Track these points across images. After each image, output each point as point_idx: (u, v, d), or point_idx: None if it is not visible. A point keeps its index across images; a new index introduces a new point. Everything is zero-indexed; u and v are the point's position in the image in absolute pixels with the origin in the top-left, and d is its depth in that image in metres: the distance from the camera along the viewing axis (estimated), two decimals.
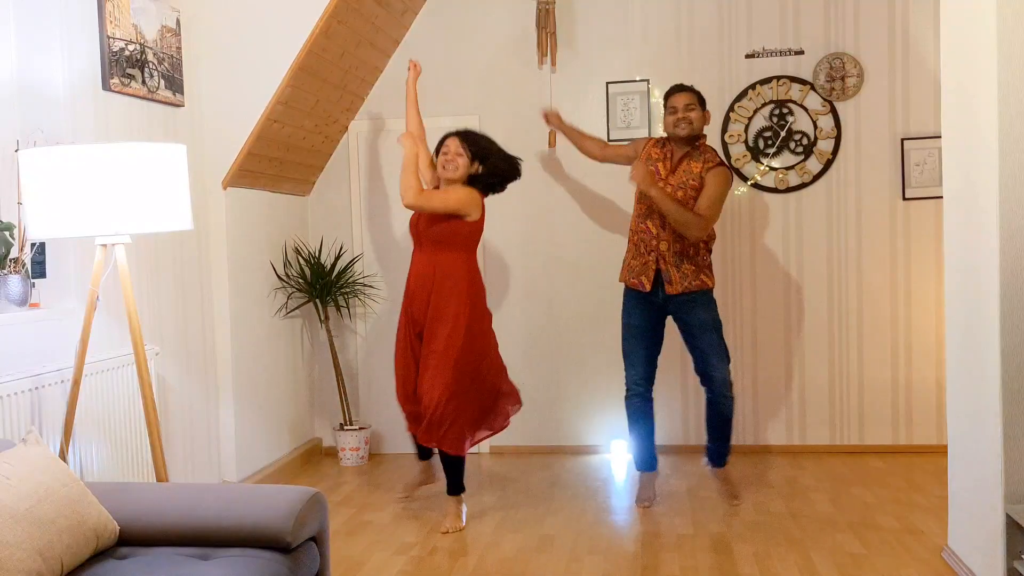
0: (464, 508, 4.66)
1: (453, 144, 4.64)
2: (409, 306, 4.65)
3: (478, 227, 4.63)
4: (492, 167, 4.69)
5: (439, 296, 4.53)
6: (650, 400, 4.87)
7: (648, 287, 4.71)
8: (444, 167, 4.63)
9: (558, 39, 5.89)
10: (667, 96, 4.78)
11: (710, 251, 4.79)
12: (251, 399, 5.25)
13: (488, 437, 4.82)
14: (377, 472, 5.72)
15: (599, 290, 5.99)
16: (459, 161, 4.61)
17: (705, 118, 4.72)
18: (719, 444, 4.85)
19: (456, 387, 4.47)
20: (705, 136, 4.79)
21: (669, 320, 4.87)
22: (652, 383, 4.87)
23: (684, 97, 4.68)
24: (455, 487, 4.62)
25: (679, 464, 5.64)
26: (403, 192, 4.49)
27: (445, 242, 4.56)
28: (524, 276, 6.07)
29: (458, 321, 4.50)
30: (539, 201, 6.02)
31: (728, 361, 4.77)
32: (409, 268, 4.70)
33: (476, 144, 4.67)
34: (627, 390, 4.86)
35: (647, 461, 4.93)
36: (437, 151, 4.72)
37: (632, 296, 4.84)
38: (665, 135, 4.81)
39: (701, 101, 4.72)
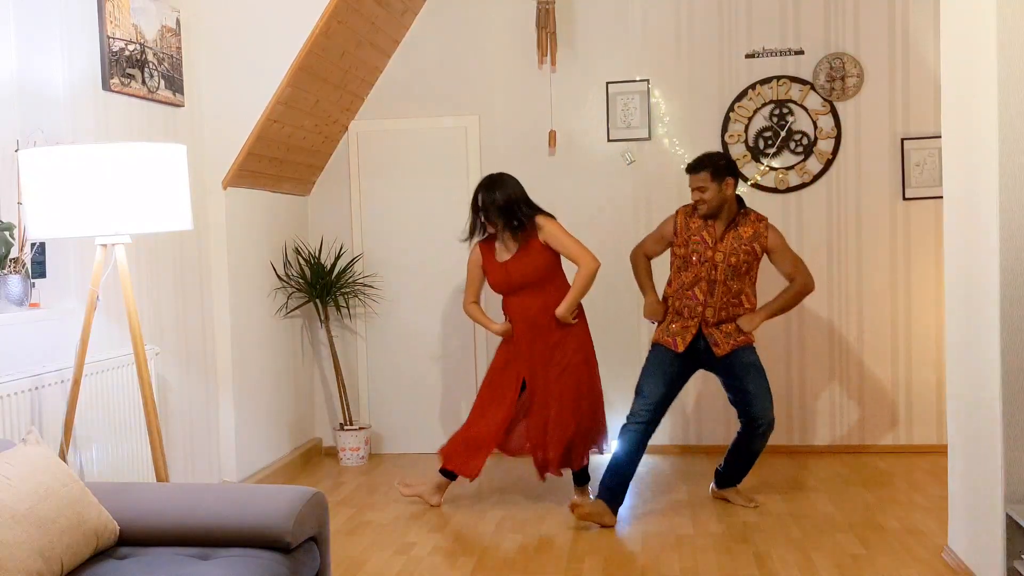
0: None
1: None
2: None
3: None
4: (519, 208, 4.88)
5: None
6: (649, 435, 4.67)
7: (681, 348, 4.67)
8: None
9: (558, 39, 5.89)
10: (687, 171, 4.71)
11: (753, 307, 4.73)
12: (251, 399, 5.25)
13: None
14: (377, 472, 5.73)
15: (599, 293, 5.97)
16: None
17: (724, 188, 4.60)
18: (739, 477, 4.85)
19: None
20: (742, 201, 4.70)
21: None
22: (658, 421, 4.69)
23: (696, 180, 4.62)
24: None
25: (679, 464, 5.64)
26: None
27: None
28: None
29: None
30: (539, 204, 6.00)
31: (771, 402, 4.70)
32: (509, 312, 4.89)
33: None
34: (630, 416, 4.67)
35: (617, 496, 4.62)
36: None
37: (663, 348, 4.75)
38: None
39: (716, 173, 4.58)
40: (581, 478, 4.89)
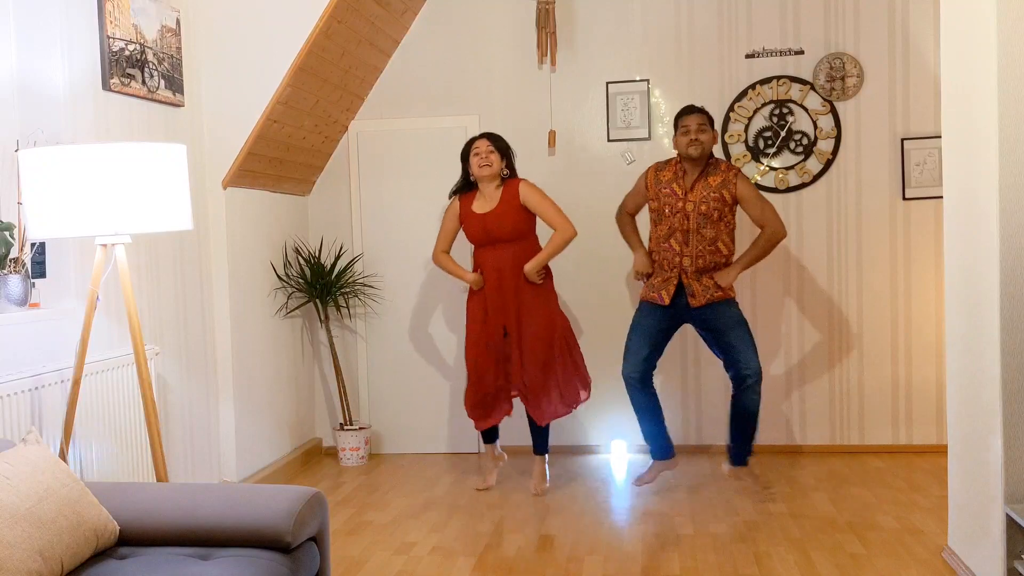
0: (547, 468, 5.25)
1: (484, 144, 5.05)
2: None
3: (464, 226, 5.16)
4: (510, 160, 5.15)
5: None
6: (650, 387, 4.96)
7: (667, 300, 4.85)
8: (480, 167, 5.02)
9: (558, 39, 5.89)
10: (679, 116, 4.90)
11: (731, 254, 4.90)
12: (251, 399, 5.25)
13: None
14: (377, 472, 5.73)
15: (599, 290, 5.99)
16: (492, 158, 5.02)
17: (714, 138, 4.88)
18: (744, 443, 4.92)
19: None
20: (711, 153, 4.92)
21: (680, 333, 5.09)
22: (649, 376, 4.97)
23: (696, 118, 4.83)
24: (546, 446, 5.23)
25: (679, 464, 5.63)
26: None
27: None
28: None
29: None
30: None
31: (756, 355, 4.84)
32: (482, 265, 5.11)
33: (499, 142, 5.11)
34: (624, 381, 4.98)
35: (661, 447, 5.01)
36: (468, 154, 5.08)
37: (649, 304, 4.94)
38: (674, 156, 4.96)
39: (711, 121, 4.91)
40: (541, 446, 5.18)
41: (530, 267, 4.95)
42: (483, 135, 5.10)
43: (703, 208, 4.78)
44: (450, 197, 5.21)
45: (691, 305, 4.81)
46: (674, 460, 5.07)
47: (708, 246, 4.80)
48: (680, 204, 4.80)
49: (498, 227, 4.99)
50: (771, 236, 4.84)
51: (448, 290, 6.06)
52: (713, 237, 4.80)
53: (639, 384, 4.93)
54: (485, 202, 5.05)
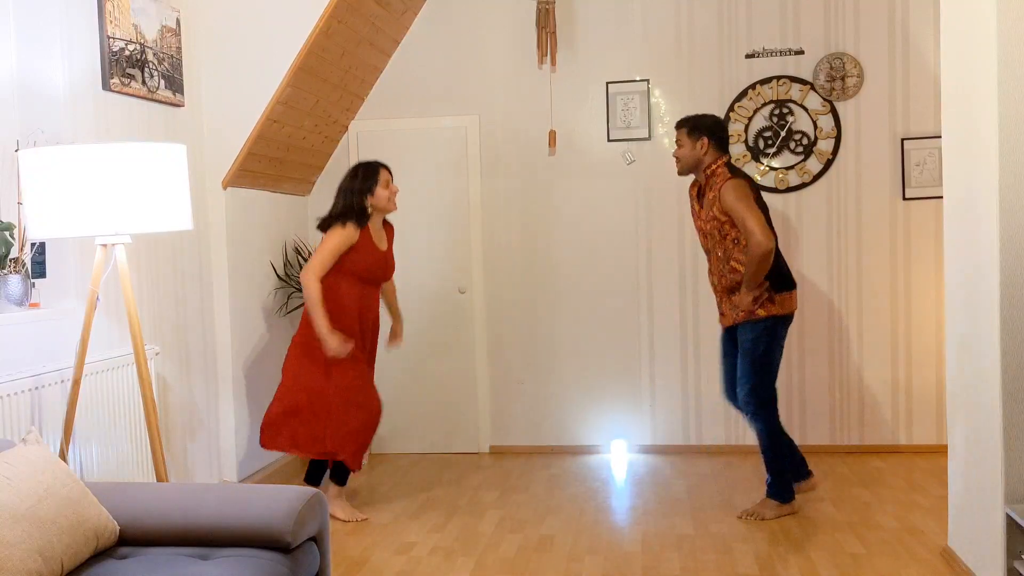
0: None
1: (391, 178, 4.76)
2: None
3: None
4: None
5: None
6: (745, 412, 4.63)
7: (722, 323, 4.72)
8: (390, 200, 4.70)
9: (558, 39, 5.89)
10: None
11: (768, 277, 4.47)
12: (251, 399, 5.25)
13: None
14: (377, 472, 5.73)
15: (599, 291, 5.99)
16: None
17: (698, 148, 4.51)
18: (767, 470, 4.65)
19: None
20: (718, 161, 4.51)
21: None
22: (734, 396, 4.74)
23: (676, 136, 4.62)
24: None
25: (679, 464, 5.64)
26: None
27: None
28: (525, 277, 6.07)
29: None
30: (540, 204, 6.02)
31: (748, 384, 4.55)
32: (354, 302, 4.68)
33: None
34: None
35: (794, 468, 4.67)
36: (375, 182, 4.66)
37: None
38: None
39: (692, 131, 4.53)
40: (345, 476, 4.82)
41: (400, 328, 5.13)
42: (385, 165, 4.73)
43: (707, 227, 4.58)
44: (345, 224, 4.58)
45: (721, 325, 4.72)
46: (810, 480, 4.72)
47: (725, 265, 4.55)
48: (698, 223, 4.67)
49: (389, 268, 4.81)
50: (752, 252, 4.34)
51: (448, 290, 6.06)
52: (725, 255, 4.52)
53: (732, 402, 4.77)
54: (379, 238, 4.73)
